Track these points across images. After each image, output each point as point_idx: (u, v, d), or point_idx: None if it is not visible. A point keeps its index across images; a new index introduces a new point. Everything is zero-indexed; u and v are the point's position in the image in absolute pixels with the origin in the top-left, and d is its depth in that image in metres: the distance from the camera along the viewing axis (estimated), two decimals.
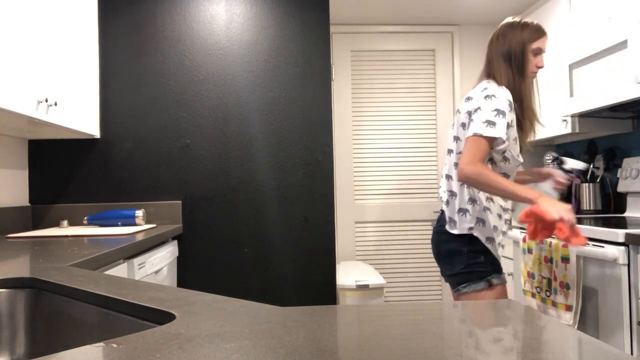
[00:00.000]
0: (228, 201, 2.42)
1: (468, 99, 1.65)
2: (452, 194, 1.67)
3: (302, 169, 2.45)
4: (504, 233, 1.68)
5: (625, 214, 2.42)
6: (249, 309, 0.67)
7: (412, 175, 3.33)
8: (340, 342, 0.53)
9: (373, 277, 2.58)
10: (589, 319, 1.86)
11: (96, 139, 2.38)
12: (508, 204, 1.72)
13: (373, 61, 3.34)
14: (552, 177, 1.78)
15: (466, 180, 1.53)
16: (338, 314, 0.65)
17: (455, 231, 1.64)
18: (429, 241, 3.32)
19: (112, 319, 0.75)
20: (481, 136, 1.53)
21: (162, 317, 0.67)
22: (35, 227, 2.33)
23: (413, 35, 3.36)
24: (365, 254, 3.28)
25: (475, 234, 1.61)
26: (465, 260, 1.62)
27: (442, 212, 1.73)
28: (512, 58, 1.65)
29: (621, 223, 1.98)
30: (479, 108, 1.56)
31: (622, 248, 1.68)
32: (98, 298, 0.78)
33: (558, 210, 1.42)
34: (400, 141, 3.33)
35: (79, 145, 2.38)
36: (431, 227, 3.33)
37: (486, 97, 1.57)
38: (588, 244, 1.83)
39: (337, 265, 2.94)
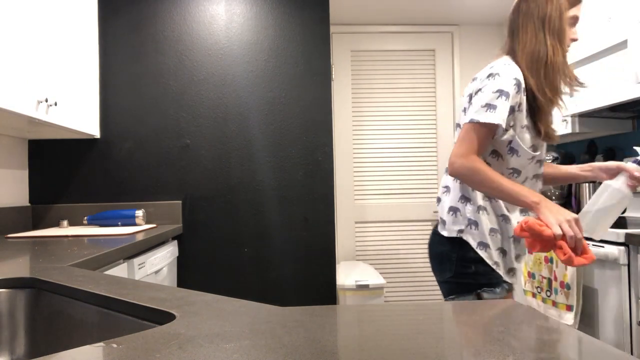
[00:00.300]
0: (228, 201, 2.42)
1: (473, 79, 1.41)
2: (446, 189, 1.46)
3: (302, 169, 2.45)
4: (516, 240, 1.40)
5: (625, 214, 2.42)
6: (249, 309, 0.67)
7: (412, 175, 3.33)
8: (340, 342, 0.53)
9: (373, 277, 2.58)
10: (589, 319, 1.86)
11: (96, 139, 2.38)
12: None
13: (373, 61, 3.34)
14: (625, 173, 1.39)
15: (456, 175, 1.31)
16: (338, 314, 0.65)
17: (444, 233, 1.42)
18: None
19: (112, 319, 0.75)
20: (478, 123, 1.29)
21: (162, 317, 0.67)
22: (35, 227, 2.33)
23: (413, 35, 3.36)
24: (365, 254, 3.28)
25: (466, 237, 1.38)
26: (453, 268, 1.40)
27: None
28: (548, 26, 1.35)
29: (621, 223, 1.98)
30: (480, 89, 1.33)
31: (622, 248, 1.68)
32: (98, 298, 0.78)
33: (561, 222, 1.18)
34: (400, 141, 3.33)
35: (79, 145, 2.37)
36: (431, 227, 3.33)
37: (489, 75, 1.33)
38: (588, 244, 1.83)
39: (337, 265, 2.94)
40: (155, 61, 2.41)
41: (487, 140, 1.32)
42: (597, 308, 1.82)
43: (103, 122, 2.38)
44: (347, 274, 2.65)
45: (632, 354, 1.67)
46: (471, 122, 1.30)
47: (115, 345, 0.52)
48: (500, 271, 1.39)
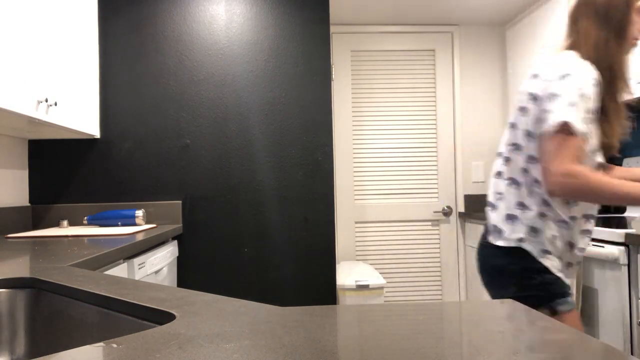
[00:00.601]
0: (228, 201, 2.42)
1: (534, 76, 1.27)
2: (500, 196, 1.32)
3: (302, 169, 2.45)
4: (572, 247, 1.29)
5: (626, 214, 2.42)
6: (249, 309, 0.67)
7: (412, 175, 3.33)
8: (340, 342, 0.53)
9: (373, 277, 2.58)
10: (589, 319, 1.86)
11: (96, 139, 2.38)
12: (591, 209, 1.30)
13: (373, 61, 3.34)
14: None
15: (560, 189, 1.16)
16: (338, 314, 0.65)
17: (500, 243, 1.29)
18: (429, 241, 3.32)
19: (112, 319, 0.75)
20: (567, 129, 1.15)
21: (162, 317, 0.67)
22: (35, 227, 2.33)
23: (413, 35, 3.36)
24: (365, 254, 3.28)
25: (526, 246, 1.25)
26: (516, 281, 1.26)
27: (488, 221, 1.37)
28: (611, 15, 1.23)
29: (621, 223, 1.98)
30: (556, 95, 1.18)
31: (622, 248, 1.68)
32: (98, 298, 0.78)
33: None
34: (401, 141, 3.33)
35: (79, 145, 2.38)
36: (431, 227, 3.32)
37: (564, 76, 1.19)
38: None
39: (337, 265, 2.94)
40: (155, 61, 2.41)
41: (582, 150, 1.19)
42: (597, 308, 1.82)
43: (103, 122, 2.38)
44: (347, 274, 2.65)
45: (632, 354, 1.67)
46: (561, 129, 1.16)
47: (115, 345, 0.52)
48: (566, 279, 1.27)
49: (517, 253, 1.26)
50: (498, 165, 1.36)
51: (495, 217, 1.33)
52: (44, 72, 1.78)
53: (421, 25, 3.36)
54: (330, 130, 2.47)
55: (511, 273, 1.27)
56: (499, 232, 1.30)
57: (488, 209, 1.36)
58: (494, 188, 1.36)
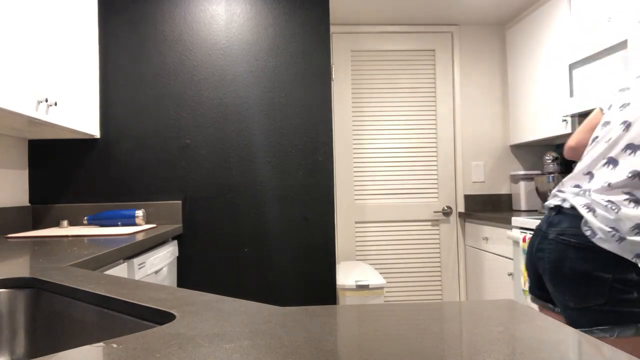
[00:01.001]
0: (228, 201, 2.42)
1: None
2: (633, 199, 1.14)
3: (302, 169, 2.45)
4: None
5: None
6: (249, 309, 0.67)
7: (412, 175, 3.33)
8: (340, 342, 0.53)
9: (373, 277, 2.58)
10: None
11: (96, 139, 2.38)
12: None
13: (373, 61, 3.34)
14: None
15: None
16: (338, 314, 0.65)
17: (610, 248, 1.12)
18: (429, 241, 3.32)
19: (112, 319, 0.75)
20: None
21: (162, 317, 0.67)
22: (35, 227, 2.33)
23: (413, 35, 3.36)
24: (365, 254, 3.28)
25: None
26: (607, 292, 1.11)
27: (561, 211, 1.23)
28: None
29: None
30: None
31: None
32: (98, 298, 0.78)
33: None
34: (401, 141, 3.33)
35: (79, 145, 2.38)
36: (431, 227, 3.32)
37: None
38: None
39: (337, 265, 2.94)
40: (156, 61, 2.41)
41: None
42: None
43: (103, 122, 2.38)
44: (347, 274, 2.65)
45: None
46: None
47: (115, 345, 0.52)
48: None
49: (612, 260, 1.12)
50: (634, 162, 1.17)
51: (618, 220, 1.14)
52: (44, 72, 1.78)
53: (421, 25, 3.36)
54: (330, 130, 2.47)
55: (604, 281, 1.12)
56: (614, 237, 1.13)
57: (605, 207, 1.16)
58: (629, 189, 1.16)
